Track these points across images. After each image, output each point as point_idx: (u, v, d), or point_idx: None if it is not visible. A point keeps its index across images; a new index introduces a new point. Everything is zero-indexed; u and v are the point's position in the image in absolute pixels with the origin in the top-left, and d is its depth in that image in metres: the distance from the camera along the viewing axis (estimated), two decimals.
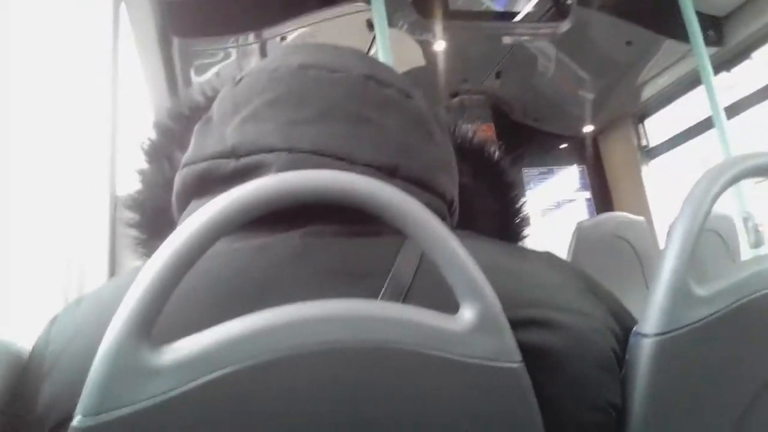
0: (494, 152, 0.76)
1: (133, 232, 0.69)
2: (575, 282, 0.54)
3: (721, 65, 2.42)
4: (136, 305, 0.38)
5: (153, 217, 0.68)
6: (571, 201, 3.34)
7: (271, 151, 0.55)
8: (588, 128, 3.29)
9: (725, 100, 2.30)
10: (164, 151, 0.70)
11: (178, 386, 0.38)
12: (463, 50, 2.57)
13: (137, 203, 0.69)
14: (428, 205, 0.56)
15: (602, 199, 3.28)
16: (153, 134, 0.72)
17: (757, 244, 1.68)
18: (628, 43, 2.44)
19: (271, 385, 0.39)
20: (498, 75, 2.91)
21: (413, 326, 0.41)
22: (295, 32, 2.06)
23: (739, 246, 1.89)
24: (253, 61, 2.21)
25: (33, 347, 0.51)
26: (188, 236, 0.39)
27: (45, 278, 0.97)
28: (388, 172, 0.56)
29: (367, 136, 0.57)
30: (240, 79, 0.63)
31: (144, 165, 0.71)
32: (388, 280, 0.47)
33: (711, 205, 0.51)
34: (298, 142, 0.55)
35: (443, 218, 0.59)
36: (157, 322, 0.39)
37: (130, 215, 0.69)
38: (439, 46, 2.42)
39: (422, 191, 0.57)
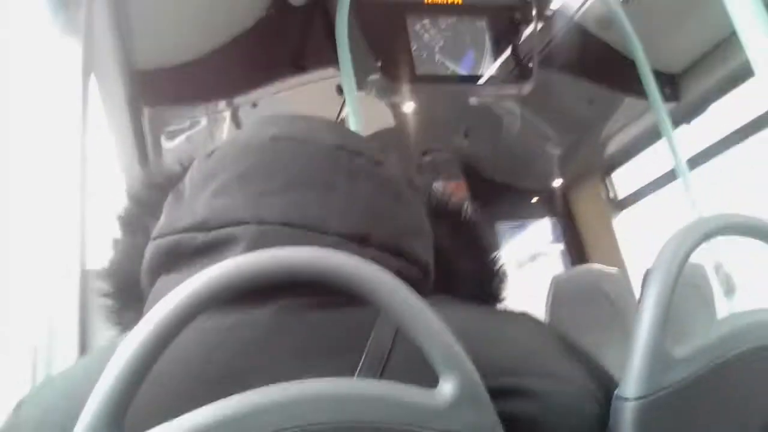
0: (471, 214, 0.77)
1: (106, 302, 0.68)
2: (553, 344, 0.54)
3: (681, 118, 2.51)
4: (107, 395, 0.37)
5: (126, 288, 0.67)
6: (545, 254, 3.37)
7: (239, 224, 0.55)
8: (557, 182, 3.36)
9: (695, 148, 2.38)
10: (138, 221, 0.69)
11: None
12: (432, 111, 2.63)
13: (110, 273, 0.68)
14: (401, 272, 0.56)
15: (576, 251, 3.31)
16: (127, 204, 0.71)
17: (729, 291, 1.70)
18: (590, 101, 2.53)
19: None
20: (466, 134, 2.97)
21: (392, 403, 0.40)
22: (266, 99, 2.09)
23: (713, 295, 1.91)
24: (225, 127, 2.23)
25: None
26: (160, 320, 0.38)
27: (13, 358, 0.93)
28: (360, 241, 0.55)
29: (336, 204, 0.57)
30: (212, 152, 0.63)
31: (118, 235, 0.70)
32: (364, 355, 0.46)
33: (682, 265, 0.52)
34: (268, 214, 0.55)
35: (417, 284, 0.59)
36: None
37: (103, 285, 0.68)
38: (408, 107, 2.47)
39: (395, 258, 0.57)
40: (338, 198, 0.57)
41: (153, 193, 0.71)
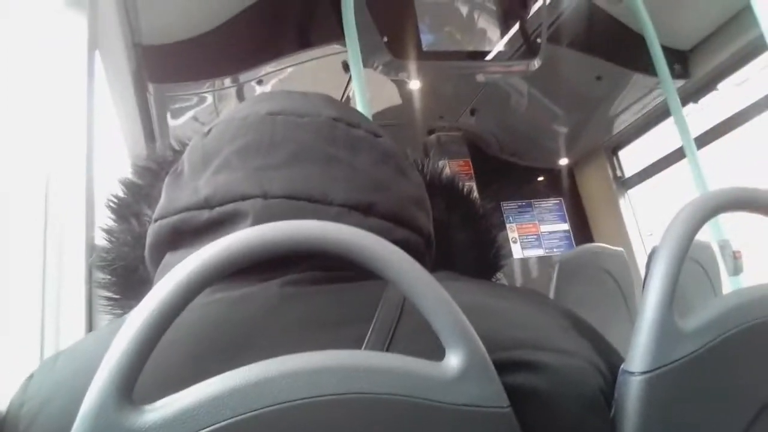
0: (463, 185, 0.77)
1: (106, 293, 0.68)
2: (559, 320, 0.54)
3: (689, 96, 2.49)
4: (117, 365, 0.37)
5: (124, 277, 0.67)
6: (550, 233, 3.37)
7: (244, 198, 0.55)
8: (563, 161, 3.34)
9: (701, 128, 2.36)
10: (131, 208, 0.69)
11: None
12: (438, 89, 2.61)
13: (107, 263, 0.68)
14: (406, 240, 0.57)
15: (581, 230, 3.31)
16: (119, 191, 0.71)
17: (735, 271, 1.69)
18: (598, 78, 2.50)
19: None
20: (473, 112, 2.95)
21: (398, 376, 0.40)
22: (271, 75, 2.08)
23: (720, 274, 1.91)
24: (231, 105, 2.22)
25: (7, 407, 0.50)
26: (168, 292, 0.39)
27: (20, 332, 0.94)
28: (364, 210, 0.56)
29: (339, 175, 0.57)
30: (209, 131, 0.63)
31: (111, 223, 0.70)
32: (371, 328, 0.47)
33: (690, 240, 0.52)
34: (272, 187, 0.55)
35: (421, 254, 0.59)
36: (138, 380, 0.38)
37: (101, 276, 0.68)
38: (414, 85, 2.46)
39: (399, 227, 0.57)
40: (340, 169, 0.58)
41: (145, 178, 0.71)
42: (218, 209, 0.55)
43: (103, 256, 0.68)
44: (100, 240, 1.08)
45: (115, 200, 0.70)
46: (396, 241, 0.54)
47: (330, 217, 0.54)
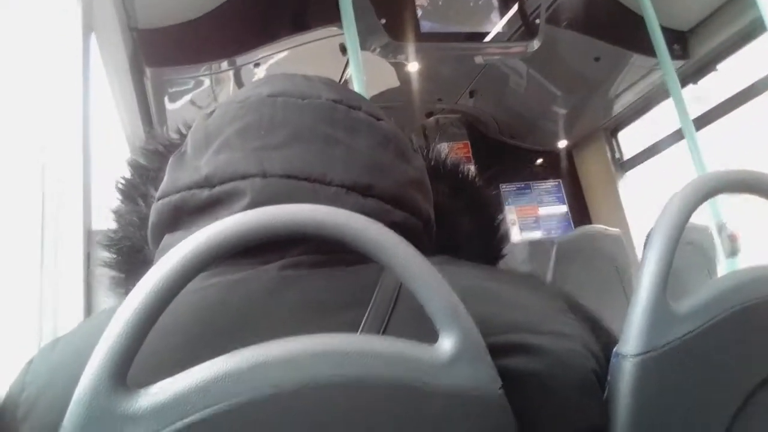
0: (468, 171, 0.77)
1: (110, 272, 0.68)
2: (554, 303, 0.54)
3: (688, 77, 2.48)
4: (111, 349, 0.38)
5: (129, 256, 0.68)
6: (549, 216, 3.37)
7: (244, 177, 0.55)
8: (562, 143, 3.33)
9: (699, 109, 2.35)
10: (138, 189, 0.70)
11: None
12: (436, 71, 2.60)
13: (113, 242, 0.68)
14: (404, 223, 0.57)
15: (579, 212, 3.31)
16: (127, 173, 0.71)
17: (732, 253, 1.70)
18: (597, 59, 2.49)
19: (250, 426, 0.38)
20: (471, 94, 2.94)
21: (392, 359, 0.40)
22: (268, 58, 2.07)
23: (716, 256, 1.92)
24: (228, 88, 2.21)
25: (7, 392, 0.50)
26: (162, 276, 0.39)
27: (17, 320, 0.94)
28: (362, 191, 0.56)
29: (338, 156, 0.57)
30: (211, 112, 0.64)
31: (119, 204, 0.70)
32: (368, 312, 0.47)
33: (685, 222, 0.52)
34: (271, 166, 0.55)
35: (419, 237, 0.59)
36: (132, 364, 0.38)
37: (106, 255, 0.68)
38: (413, 67, 2.44)
39: (397, 209, 0.57)
40: (340, 150, 0.58)
41: (153, 161, 0.71)
42: (218, 188, 0.56)
43: (111, 236, 0.68)
44: (98, 224, 1.08)
45: (123, 181, 0.71)
46: (395, 223, 0.55)
47: (328, 196, 0.54)
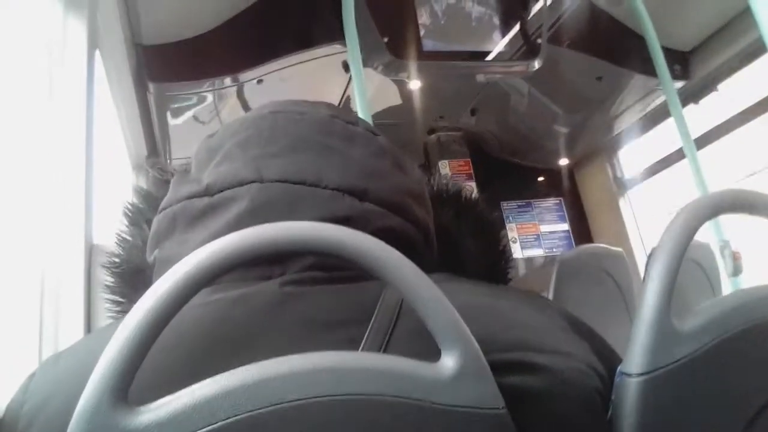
0: (472, 195, 0.77)
1: (111, 296, 0.68)
2: (557, 321, 0.54)
3: (689, 98, 2.49)
4: (112, 365, 0.37)
5: (130, 276, 0.68)
6: (550, 233, 3.37)
7: (242, 184, 0.56)
8: (564, 161, 3.34)
9: (701, 129, 2.36)
10: (144, 215, 0.71)
11: None
12: (438, 89, 2.61)
13: (115, 265, 0.68)
14: (401, 229, 0.57)
15: (581, 230, 3.30)
16: (134, 199, 0.72)
17: (735, 272, 1.69)
18: (598, 78, 2.50)
19: None
20: (473, 112, 2.95)
21: (393, 376, 0.40)
22: (271, 75, 2.08)
23: (719, 275, 1.91)
24: (231, 104, 2.22)
25: (7, 406, 0.50)
26: (163, 293, 0.39)
27: (18, 333, 0.94)
28: (358, 196, 0.56)
29: (334, 162, 0.58)
30: (215, 132, 0.66)
31: (124, 229, 0.71)
32: (369, 329, 0.46)
33: (689, 241, 0.52)
34: (268, 172, 0.56)
35: (419, 249, 0.59)
36: (133, 380, 0.38)
37: (109, 279, 0.68)
38: (415, 85, 2.45)
39: (393, 215, 0.57)
40: (336, 158, 0.59)
41: (161, 189, 0.72)
42: (217, 196, 0.57)
43: (114, 260, 0.68)
44: (99, 240, 1.08)
45: (131, 207, 0.72)
46: (391, 228, 0.55)
47: (324, 200, 0.55)
